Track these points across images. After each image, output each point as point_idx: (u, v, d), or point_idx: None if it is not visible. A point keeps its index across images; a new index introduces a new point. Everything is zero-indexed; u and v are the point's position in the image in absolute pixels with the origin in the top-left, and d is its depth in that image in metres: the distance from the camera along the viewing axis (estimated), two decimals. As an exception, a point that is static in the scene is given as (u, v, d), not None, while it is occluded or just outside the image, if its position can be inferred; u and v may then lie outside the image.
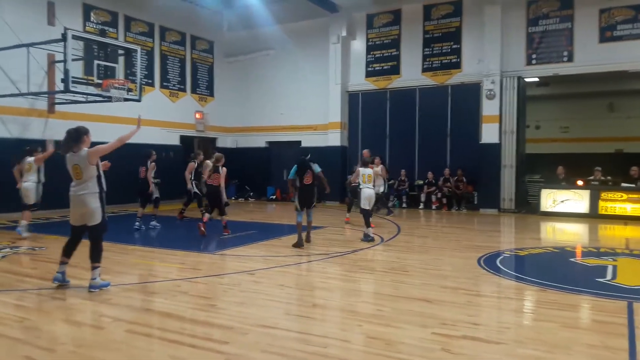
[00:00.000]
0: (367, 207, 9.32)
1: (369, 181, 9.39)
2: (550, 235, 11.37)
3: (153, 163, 10.75)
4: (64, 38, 11.04)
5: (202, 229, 9.65)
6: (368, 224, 9.24)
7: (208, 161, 11.41)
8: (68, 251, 5.77)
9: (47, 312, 5.03)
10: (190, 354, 3.89)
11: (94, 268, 5.63)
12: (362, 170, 9.49)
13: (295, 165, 8.73)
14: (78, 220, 5.63)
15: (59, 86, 12.09)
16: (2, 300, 5.33)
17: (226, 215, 9.94)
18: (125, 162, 10.91)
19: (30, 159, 9.53)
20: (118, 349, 4.02)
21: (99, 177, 5.61)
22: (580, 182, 13.49)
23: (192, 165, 11.89)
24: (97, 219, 5.58)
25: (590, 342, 4.17)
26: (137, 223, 10.62)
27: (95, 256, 5.66)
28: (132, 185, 11.23)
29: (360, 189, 9.44)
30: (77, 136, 5.56)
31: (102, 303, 5.28)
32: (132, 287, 6.05)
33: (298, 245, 8.48)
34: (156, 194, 10.87)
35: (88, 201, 5.51)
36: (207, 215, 10.01)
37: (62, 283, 5.75)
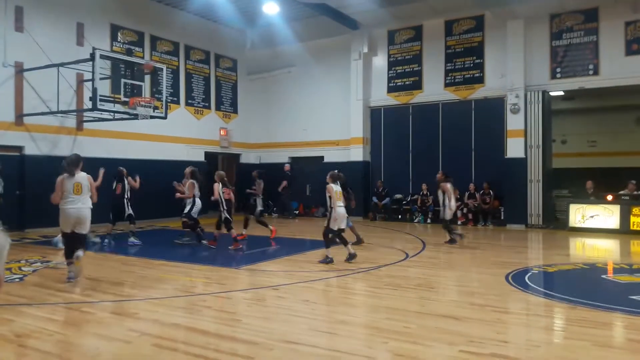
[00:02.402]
0: (334, 228, 8.44)
1: (338, 199, 8.49)
2: (579, 251, 11.10)
3: (124, 180, 11.00)
4: (92, 58, 11.36)
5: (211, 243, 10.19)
6: (328, 245, 8.49)
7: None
8: (71, 253, 6.88)
9: (77, 326, 5.11)
10: (217, 369, 3.89)
11: (70, 263, 6.78)
12: (334, 187, 8.56)
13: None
14: (72, 228, 6.84)
15: (87, 104, 12.41)
16: (34, 314, 5.43)
17: (220, 230, 10.20)
18: (159, 179, 11.05)
19: None
20: (145, 363, 4.06)
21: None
22: (609, 197, 13.17)
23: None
24: (89, 227, 7.06)
25: (625, 362, 4.04)
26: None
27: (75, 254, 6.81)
28: (160, 200, 11.35)
29: (332, 208, 8.43)
30: (77, 161, 7.03)
31: (130, 317, 5.34)
32: (158, 302, 6.11)
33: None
34: (128, 211, 10.99)
35: (89, 214, 6.97)
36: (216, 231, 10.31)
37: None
